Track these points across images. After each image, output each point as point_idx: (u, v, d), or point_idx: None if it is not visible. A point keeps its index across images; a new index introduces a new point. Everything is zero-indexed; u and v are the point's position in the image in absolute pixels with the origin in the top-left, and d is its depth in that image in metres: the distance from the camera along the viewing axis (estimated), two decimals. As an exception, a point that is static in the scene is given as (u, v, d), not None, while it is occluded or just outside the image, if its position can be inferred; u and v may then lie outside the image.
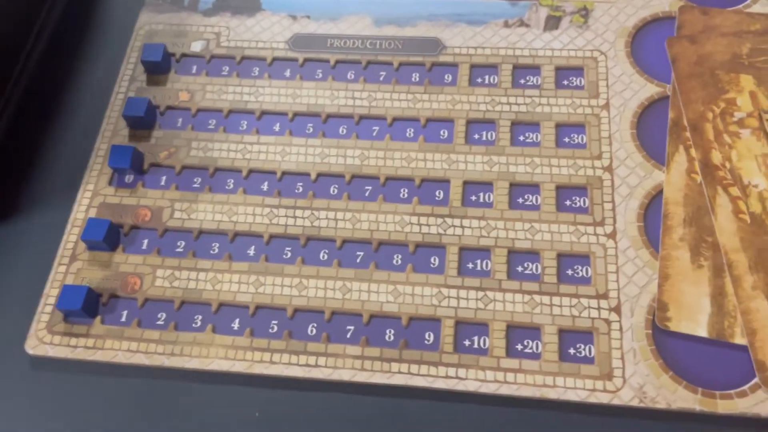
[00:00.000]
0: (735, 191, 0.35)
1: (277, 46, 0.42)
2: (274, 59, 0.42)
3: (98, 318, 0.34)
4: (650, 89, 0.39)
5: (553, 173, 0.37)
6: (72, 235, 0.37)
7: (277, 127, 0.40)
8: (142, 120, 0.39)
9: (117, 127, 0.40)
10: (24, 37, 0.43)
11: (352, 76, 0.41)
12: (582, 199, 0.36)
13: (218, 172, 0.38)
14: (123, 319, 0.35)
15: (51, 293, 0.35)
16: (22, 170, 0.40)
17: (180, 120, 0.40)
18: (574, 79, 0.40)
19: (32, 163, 0.40)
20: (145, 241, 0.37)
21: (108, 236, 0.36)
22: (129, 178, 0.39)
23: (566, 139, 0.38)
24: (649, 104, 0.38)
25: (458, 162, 0.37)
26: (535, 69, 0.40)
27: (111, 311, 0.35)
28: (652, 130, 0.37)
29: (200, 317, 0.34)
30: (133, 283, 0.35)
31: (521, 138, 0.38)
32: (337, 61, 0.41)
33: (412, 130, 0.39)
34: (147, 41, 0.43)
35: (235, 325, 0.34)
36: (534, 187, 0.36)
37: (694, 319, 0.32)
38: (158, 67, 0.41)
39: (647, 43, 0.40)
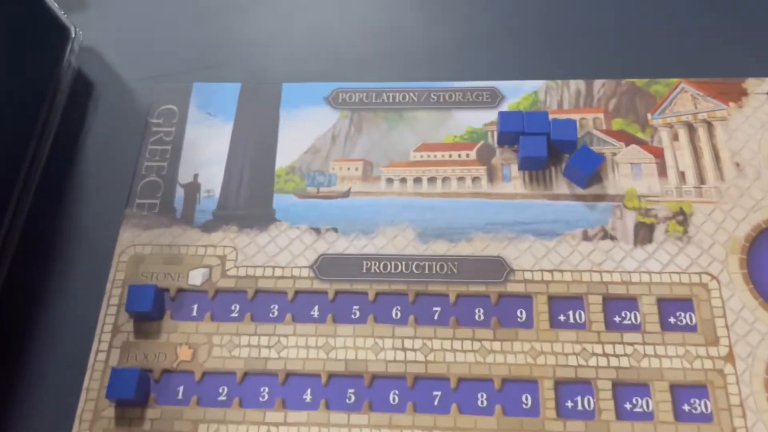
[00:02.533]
0: None
1: (299, 274, 0.33)
2: (297, 293, 0.33)
3: None
4: (782, 330, 0.31)
5: (677, 462, 0.28)
6: None
7: (308, 397, 0.31)
8: (132, 401, 0.30)
9: (99, 407, 0.31)
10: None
11: (399, 315, 0.32)
12: (721, 503, 0.28)
13: (237, 471, 0.29)
14: None
15: None
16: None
17: (180, 390, 0.31)
18: (683, 315, 0.31)
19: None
20: None
21: None
22: (118, 485, 0.29)
23: (686, 407, 0.29)
24: (784, 352, 0.30)
25: (551, 447, 0.29)
26: (631, 301, 0.32)
27: None
28: (795, 392, 0.29)
29: None
30: None
31: (627, 406, 0.30)
32: (378, 294, 0.33)
33: (485, 395, 0.30)
34: (131, 272, 0.34)
35: None
36: (655, 485, 0.28)
37: None
38: (148, 315, 0.32)
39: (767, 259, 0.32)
